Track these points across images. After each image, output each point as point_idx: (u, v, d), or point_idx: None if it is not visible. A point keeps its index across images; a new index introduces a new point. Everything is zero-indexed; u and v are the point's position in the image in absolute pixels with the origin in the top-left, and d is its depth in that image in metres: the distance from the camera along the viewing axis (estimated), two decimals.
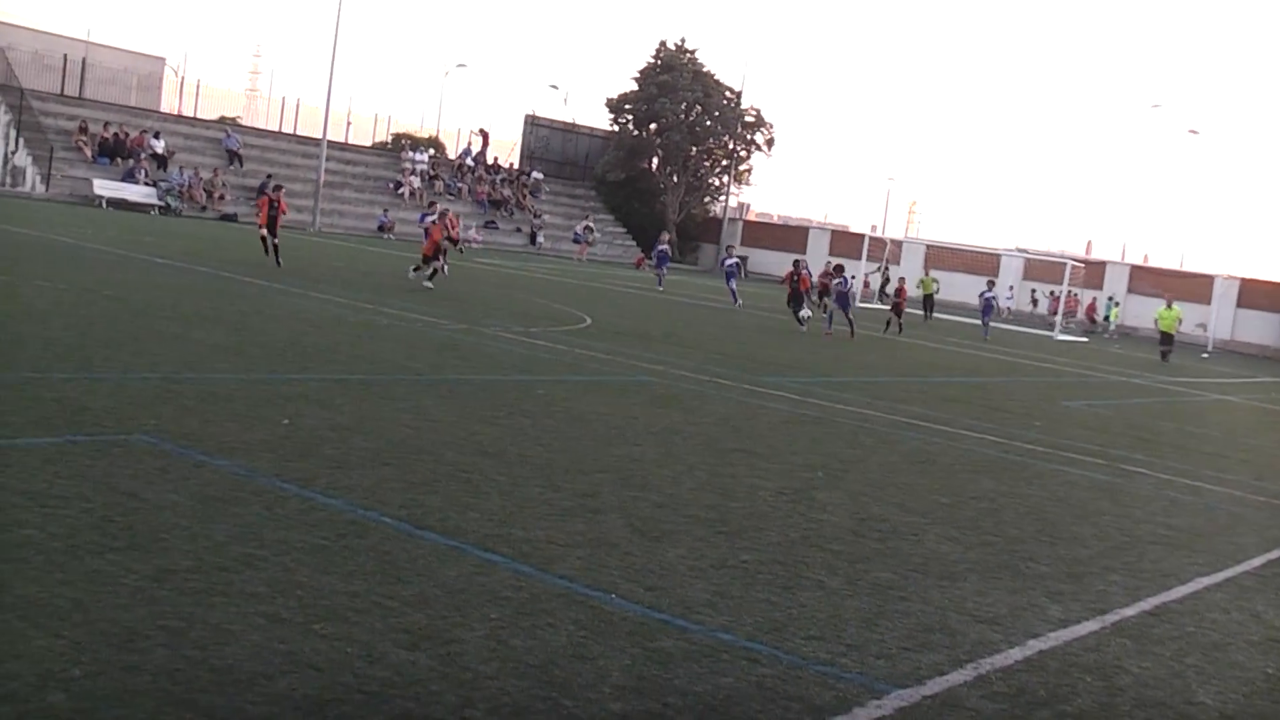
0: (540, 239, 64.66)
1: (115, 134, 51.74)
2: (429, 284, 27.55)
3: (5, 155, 49.98)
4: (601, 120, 75.52)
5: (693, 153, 73.36)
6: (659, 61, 71.99)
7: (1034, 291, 62.27)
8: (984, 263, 61.72)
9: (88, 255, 26.04)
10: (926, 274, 49.54)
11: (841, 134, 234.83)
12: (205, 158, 55.32)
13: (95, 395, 10.92)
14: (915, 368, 26.76)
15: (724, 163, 75.41)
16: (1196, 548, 10.88)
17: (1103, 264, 65.23)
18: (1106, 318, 57.47)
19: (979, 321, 41.56)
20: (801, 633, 6.94)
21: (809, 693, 6.11)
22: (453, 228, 31.64)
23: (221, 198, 52.30)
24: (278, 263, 27.91)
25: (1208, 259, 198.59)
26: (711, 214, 77.21)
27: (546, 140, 74.82)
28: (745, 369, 20.25)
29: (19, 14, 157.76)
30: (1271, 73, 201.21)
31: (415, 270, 28.95)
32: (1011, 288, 61.18)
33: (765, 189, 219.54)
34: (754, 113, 74.69)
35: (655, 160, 74.11)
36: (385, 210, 58.05)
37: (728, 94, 73.41)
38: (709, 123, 73.08)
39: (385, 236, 55.14)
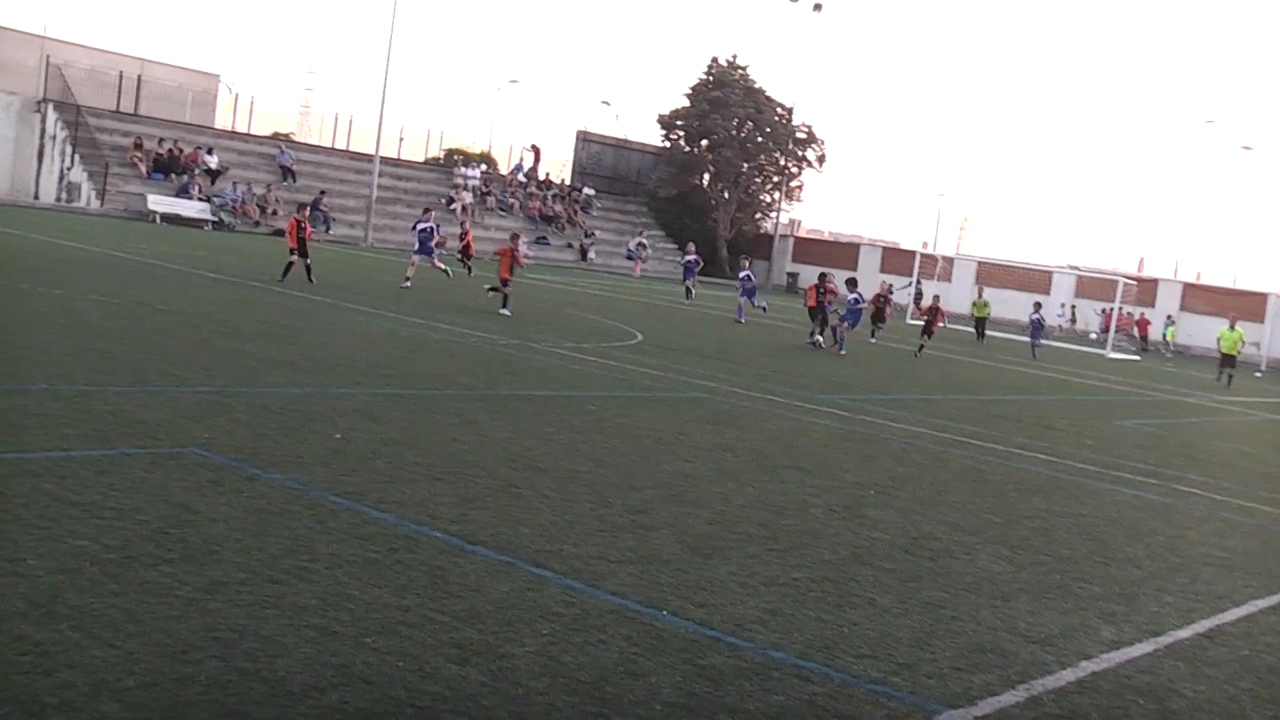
0: (591, 254, 64.77)
1: (169, 150, 52.30)
2: (506, 311, 26.31)
3: (61, 171, 50.73)
4: (653, 136, 75.59)
5: (744, 169, 73.21)
6: (711, 78, 71.96)
7: (1074, 309, 61.21)
8: (1036, 280, 61.24)
9: (142, 270, 26.31)
10: (979, 294, 48.97)
11: (893, 150, 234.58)
12: (258, 173, 55.79)
13: (149, 408, 11.04)
14: (966, 385, 26.62)
15: (775, 179, 75.28)
16: (1251, 570, 10.76)
17: (1155, 281, 64.60)
18: (1164, 337, 56.68)
19: (1028, 340, 41.01)
20: (852, 651, 6.91)
21: (860, 711, 6.08)
22: (518, 255, 30.30)
23: (274, 213, 52.60)
24: (309, 278, 27.08)
25: (1261, 276, 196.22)
26: (762, 230, 77.02)
27: (598, 156, 75.04)
28: (796, 385, 20.21)
29: (75, 32, 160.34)
30: None
31: (492, 291, 28.10)
32: (1064, 305, 60.57)
33: (816, 205, 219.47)
34: (805, 129, 74.49)
35: (706, 176, 74.03)
36: (437, 225, 58.08)
37: (779, 110, 73.19)
38: (760, 139, 72.85)
39: (437, 252, 55.24)
